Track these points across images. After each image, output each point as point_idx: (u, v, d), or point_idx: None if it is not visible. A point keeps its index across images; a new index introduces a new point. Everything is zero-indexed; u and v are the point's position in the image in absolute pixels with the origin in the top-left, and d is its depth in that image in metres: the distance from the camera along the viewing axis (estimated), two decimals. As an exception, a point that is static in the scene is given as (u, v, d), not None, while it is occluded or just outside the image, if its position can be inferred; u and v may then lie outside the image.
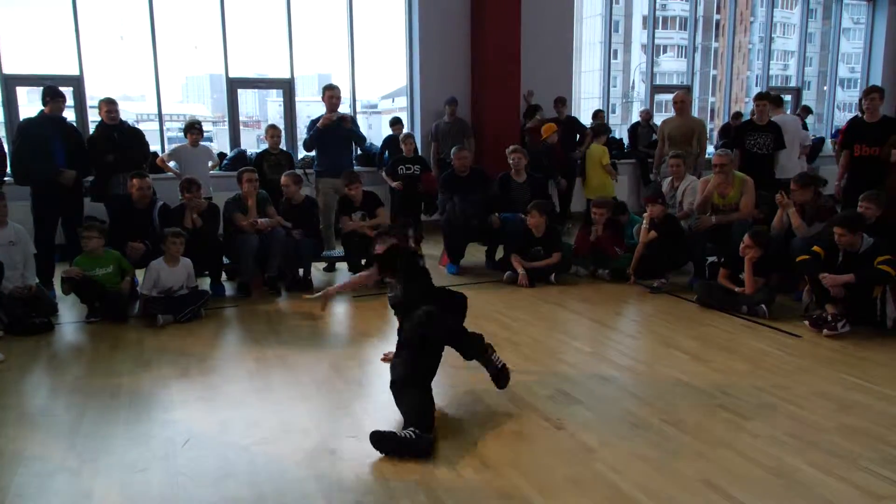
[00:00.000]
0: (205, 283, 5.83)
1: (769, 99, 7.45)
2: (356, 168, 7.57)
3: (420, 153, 9.05)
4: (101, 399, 3.71)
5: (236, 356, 4.45)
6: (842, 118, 14.60)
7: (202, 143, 7.44)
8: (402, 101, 10.31)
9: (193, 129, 7.33)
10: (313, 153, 8.10)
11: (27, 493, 2.76)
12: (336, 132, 6.86)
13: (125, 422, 3.43)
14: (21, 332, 4.89)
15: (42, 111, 5.89)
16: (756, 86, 17.46)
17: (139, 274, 5.67)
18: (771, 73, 13.70)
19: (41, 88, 6.01)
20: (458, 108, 8.69)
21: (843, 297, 4.67)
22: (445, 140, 8.48)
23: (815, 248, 4.89)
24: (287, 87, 9.29)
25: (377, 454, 2.98)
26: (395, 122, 8.80)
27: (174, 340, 4.75)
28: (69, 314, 5.43)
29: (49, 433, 3.31)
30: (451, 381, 3.92)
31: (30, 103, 8.42)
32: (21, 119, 6.40)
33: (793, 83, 14.69)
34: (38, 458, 3.06)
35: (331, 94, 6.96)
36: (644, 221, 6.14)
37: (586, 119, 10.14)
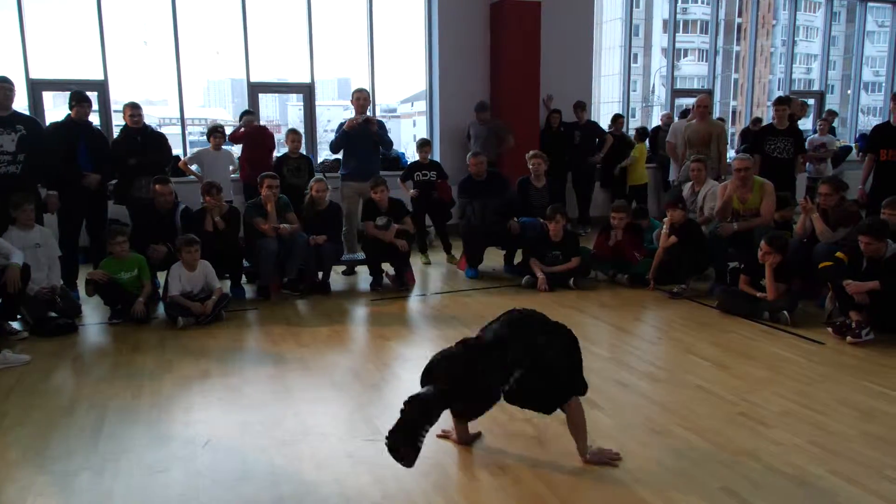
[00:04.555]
0: (225, 286, 5.88)
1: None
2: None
3: (440, 157, 9.08)
4: (123, 400, 3.76)
5: (256, 359, 4.49)
6: (866, 122, 14.41)
7: (224, 147, 7.51)
8: (422, 106, 10.34)
9: (216, 133, 7.41)
10: (333, 157, 8.14)
11: (49, 491, 2.79)
12: (362, 135, 6.87)
13: (147, 422, 3.47)
14: (46, 332, 4.97)
15: (68, 115, 5.99)
16: (778, 89, 17.30)
17: (161, 277, 5.74)
18: (793, 76, 13.57)
19: (67, 93, 6.10)
20: (486, 114, 8.64)
21: (867, 304, 4.61)
22: (477, 141, 8.49)
23: (839, 254, 4.84)
24: (307, 92, 9.35)
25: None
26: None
27: (195, 342, 4.80)
28: (93, 315, 5.51)
29: (72, 433, 3.36)
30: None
31: (55, 107, 8.57)
32: (48, 123, 6.49)
33: (816, 87, 14.52)
34: (61, 457, 3.10)
35: (358, 95, 6.98)
36: (664, 227, 6.10)
37: (605, 124, 10.10)
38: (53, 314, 5.16)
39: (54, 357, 4.54)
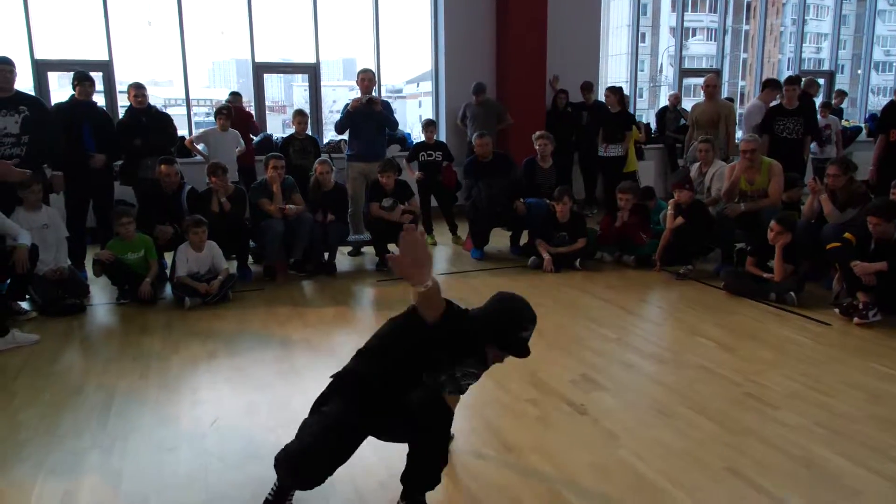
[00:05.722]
0: (232, 267, 5.88)
1: None
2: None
3: (445, 137, 9.04)
4: (130, 380, 3.78)
5: (262, 339, 4.50)
6: (876, 102, 14.26)
7: (231, 128, 7.44)
8: (427, 86, 10.28)
9: (221, 113, 7.37)
10: (339, 137, 8.11)
11: (61, 469, 2.83)
12: (367, 116, 6.84)
13: (154, 402, 3.50)
14: (54, 313, 5.00)
15: (72, 96, 5.97)
16: (788, 69, 17.12)
17: (167, 257, 5.76)
18: (803, 56, 13.42)
19: (72, 73, 6.09)
20: (484, 95, 8.59)
21: (875, 286, 4.59)
22: (475, 122, 8.45)
23: (847, 234, 4.81)
24: (312, 72, 9.30)
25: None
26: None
27: (201, 323, 4.82)
28: (100, 296, 5.54)
29: (81, 412, 3.39)
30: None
31: (60, 88, 8.55)
32: (52, 104, 6.48)
33: (826, 66, 14.37)
34: (71, 436, 3.13)
35: (363, 76, 6.95)
36: (669, 207, 6.07)
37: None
38: (62, 294, 5.18)
39: (63, 337, 4.57)
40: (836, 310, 4.77)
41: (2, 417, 3.34)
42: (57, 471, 2.82)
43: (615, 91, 8.65)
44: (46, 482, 2.73)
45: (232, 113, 7.50)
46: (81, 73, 6.01)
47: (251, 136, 8.16)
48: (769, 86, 8.11)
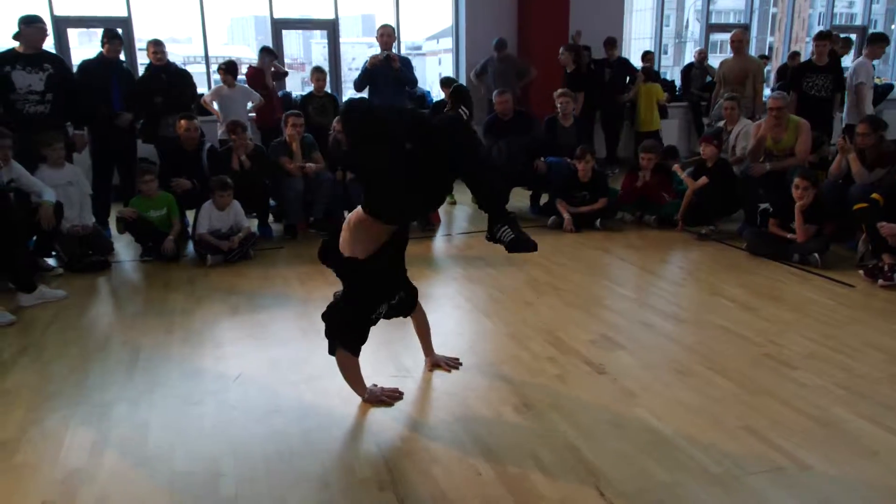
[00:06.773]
0: (253, 225, 5.92)
1: None
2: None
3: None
4: (155, 335, 3.86)
5: (283, 296, 4.56)
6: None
7: (238, 83, 7.28)
8: (448, 43, 10.13)
9: (220, 69, 7.11)
10: (359, 95, 8.04)
11: (90, 420, 2.91)
12: (386, 74, 6.77)
13: (179, 357, 3.57)
14: (80, 269, 5.09)
15: (100, 53, 5.96)
16: (819, 24, 16.60)
17: (189, 215, 5.81)
18: (835, 10, 12.98)
19: (91, 30, 6.07)
20: (506, 51, 8.46)
21: (902, 247, 4.52)
22: (496, 79, 8.33)
23: (875, 195, 4.72)
24: (331, 28, 9.19)
25: (419, 392, 3.04)
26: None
27: (224, 280, 4.88)
28: (124, 253, 5.62)
29: (108, 366, 3.47)
30: (492, 323, 3.96)
31: (81, 45, 8.54)
32: (80, 61, 6.46)
33: (858, 21, 13.91)
34: (99, 388, 3.21)
35: (382, 32, 6.88)
36: (680, 173, 6.05)
37: (636, 61, 9.83)
38: (87, 251, 5.26)
39: (89, 293, 4.65)
40: (861, 271, 4.71)
41: (33, 370, 3.43)
42: (86, 422, 2.90)
43: (571, 48, 8.32)
44: (77, 432, 2.81)
45: (234, 68, 7.28)
46: (112, 31, 5.98)
47: (276, 93, 7.96)
48: (875, 41, 7.22)
